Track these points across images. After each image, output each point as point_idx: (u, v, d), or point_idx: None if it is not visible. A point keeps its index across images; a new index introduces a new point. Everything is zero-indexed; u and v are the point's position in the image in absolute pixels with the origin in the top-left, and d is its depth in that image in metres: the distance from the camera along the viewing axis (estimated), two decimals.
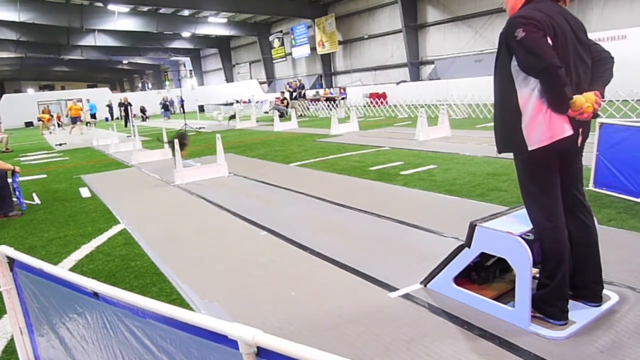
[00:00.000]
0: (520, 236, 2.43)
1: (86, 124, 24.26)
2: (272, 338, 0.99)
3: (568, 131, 2.28)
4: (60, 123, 26.16)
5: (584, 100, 2.23)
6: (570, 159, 2.50)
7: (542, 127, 2.28)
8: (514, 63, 2.32)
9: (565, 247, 2.43)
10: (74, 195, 7.12)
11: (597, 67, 2.43)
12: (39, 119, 24.75)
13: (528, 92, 2.31)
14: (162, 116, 30.32)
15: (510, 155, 2.52)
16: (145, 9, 33.03)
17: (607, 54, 2.50)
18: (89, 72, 58.79)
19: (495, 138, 2.55)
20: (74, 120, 21.65)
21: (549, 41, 2.24)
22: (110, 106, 31.50)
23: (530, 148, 2.33)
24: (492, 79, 2.52)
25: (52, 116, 25.16)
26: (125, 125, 24.06)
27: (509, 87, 2.37)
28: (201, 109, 32.82)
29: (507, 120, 2.42)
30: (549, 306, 2.46)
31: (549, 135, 2.28)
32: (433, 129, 10.27)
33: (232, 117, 20.21)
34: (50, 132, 23.51)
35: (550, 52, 2.20)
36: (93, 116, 27.87)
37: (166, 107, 30.87)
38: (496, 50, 2.48)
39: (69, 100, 36.43)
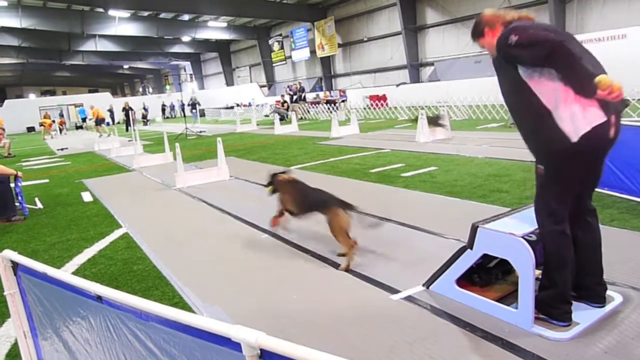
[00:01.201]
0: (522, 237, 2.43)
1: (78, 127, 24.39)
2: (275, 340, 0.99)
3: (602, 117, 2.21)
4: (62, 128, 26.20)
5: (609, 78, 2.13)
6: (600, 160, 2.44)
7: (577, 116, 2.22)
8: (521, 70, 2.30)
9: (570, 253, 2.43)
10: (76, 200, 7.13)
11: None
12: (41, 124, 24.88)
13: (550, 86, 2.26)
14: (193, 118, 27.19)
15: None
16: (146, 14, 33.18)
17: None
18: (90, 77, 58.93)
19: (534, 152, 2.44)
20: (99, 122, 23.15)
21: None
22: (111, 111, 31.60)
23: (574, 140, 2.22)
24: (505, 102, 2.51)
25: (54, 121, 25.22)
26: (127, 130, 24.15)
27: (526, 96, 2.32)
28: (202, 113, 32.86)
29: (540, 126, 2.33)
30: (551, 308, 2.45)
31: (587, 121, 2.21)
32: (433, 131, 10.27)
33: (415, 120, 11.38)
34: (52, 137, 23.58)
35: (548, 34, 2.20)
36: (83, 120, 28.08)
37: (194, 106, 27.94)
38: (496, 73, 2.50)
39: (70, 105, 36.61)
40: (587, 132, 2.21)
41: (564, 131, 2.24)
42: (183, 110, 26.21)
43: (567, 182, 2.39)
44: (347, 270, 3.44)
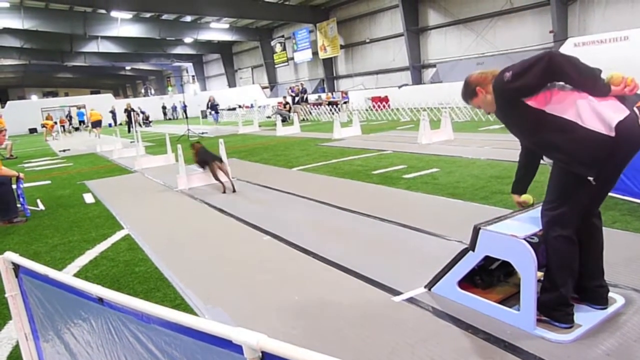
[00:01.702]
0: (524, 239, 2.43)
1: (75, 129, 24.55)
2: (277, 343, 0.99)
3: (625, 111, 2.18)
4: (70, 130, 26.02)
5: (619, 73, 2.14)
6: (628, 162, 2.36)
7: (604, 113, 2.18)
8: (530, 102, 2.29)
9: (574, 257, 2.43)
10: (78, 201, 7.15)
11: None
12: (43, 126, 25.00)
13: (566, 99, 2.25)
14: (213, 120, 26.43)
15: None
16: (148, 15, 33.23)
17: None
18: (92, 78, 59.09)
19: (580, 167, 2.28)
20: (95, 124, 23.73)
21: None
22: (113, 112, 31.65)
23: (612, 134, 2.15)
24: (528, 144, 2.53)
25: (56, 123, 25.27)
26: (129, 131, 24.21)
27: (547, 124, 2.29)
28: (204, 114, 32.91)
29: (572, 143, 2.26)
30: (554, 310, 2.45)
31: (617, 113, 2.17)
32: (435, 132, 10.27)
33: None
34: (54, 138, 23.64)
35: (537, 55, 2.22)
36: (82, 122, 28.22)
37: (215, 108, 26.55)
38: (505, 123, 2.53)
39: (72, 106, 36.75)
40: (621, 121, 2.14)
41: (598, 132, 2.18)
42: (185, 111, 26.15)
43: (600, 188, 2.35)
44: (224, 192, 6.69)
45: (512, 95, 2.33)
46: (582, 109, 2.22)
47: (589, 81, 2.20)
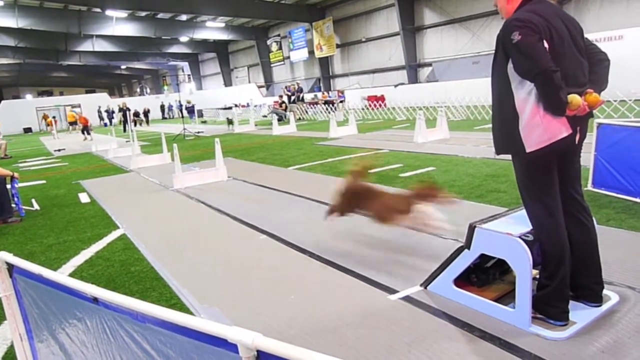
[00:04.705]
0: (519, 237, 2.43)
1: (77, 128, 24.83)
2: (272, 341, 0.99)
3: (565, 132, 2.28)
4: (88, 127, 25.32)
5: (580, 99, 2.22)
6: (569, 159, 2.49)
7: (539, 129, 2.28)
8: (510, 65, 2.32)
9: (566, 248, 2.43)
10: (73, 201, 7.12)
11: (591, 69, 2.42)
12: (47, 124, 25.37)
13: (525, 94, 2.30)
14: (190, 119, 27.70)
15: (509, 156, 2.52)
16: (143, 14, 33.15)
17: (603, 55, 2.47)
18: (88, 77, 58.83)
19: (493, 139, 2.55)
20: (72, 124, 25.14)
21: (545, 44, 2.22)
22: (108, 112, 31.51)
23: (528, 150, 2.33)
24: (490, 81, 2.50)
25: (54, 117, 25.25)
26: (124, 130, 24.11)
27: (505, 90, 2.37)
28: (200, 113, 32.81)
29: (505, 122, 2.42)
30: (549, 307, 2.45)
31: (547, 137, 2.28)
32: (431, 131, 10.29)
33: None
34: (54, 137, 23.48)
35: (546, 56, 2.19)
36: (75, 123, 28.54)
37: (191, 110, 28.62)
38: (494, 52, 2.47)
39: (67, 105, 36.62)
40: (543, 147, 2.29)
41: (522, 138, 2.33)
42: (181, 110, 26.17)
43: (538, 177, 2.43)
44: None
45: (506, 50, 2.32)
46: (530, 112, 2.29)
47: (550, 105, 2.24)
